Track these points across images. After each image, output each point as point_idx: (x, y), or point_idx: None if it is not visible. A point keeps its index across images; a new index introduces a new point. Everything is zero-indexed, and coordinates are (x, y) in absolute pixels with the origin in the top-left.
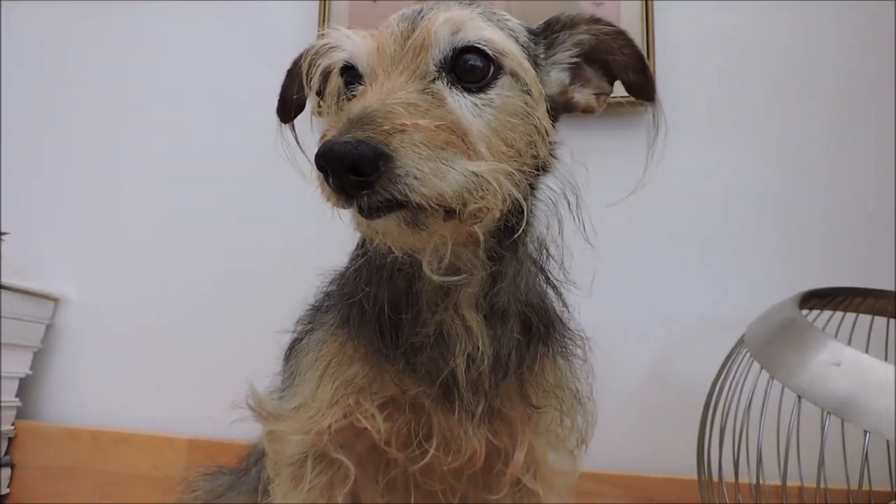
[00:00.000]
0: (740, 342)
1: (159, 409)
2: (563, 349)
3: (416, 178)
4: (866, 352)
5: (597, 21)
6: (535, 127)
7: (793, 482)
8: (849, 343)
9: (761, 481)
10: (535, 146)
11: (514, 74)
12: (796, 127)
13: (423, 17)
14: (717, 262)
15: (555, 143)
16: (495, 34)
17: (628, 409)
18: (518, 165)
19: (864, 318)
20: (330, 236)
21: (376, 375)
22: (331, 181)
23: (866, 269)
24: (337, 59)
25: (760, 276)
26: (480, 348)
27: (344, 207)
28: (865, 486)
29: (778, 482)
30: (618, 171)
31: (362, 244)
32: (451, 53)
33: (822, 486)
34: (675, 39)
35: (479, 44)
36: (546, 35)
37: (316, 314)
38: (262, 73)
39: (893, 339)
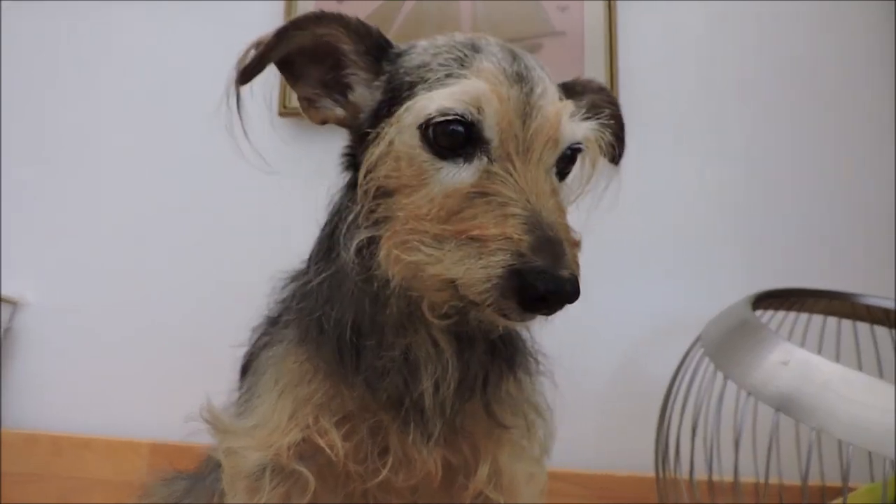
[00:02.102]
0: (697, 342)
1: (121, 414)
2: (526, 366)
3: (577, 290)
4: (819, 352)
5: (602, 89)
6: None
7: (750, 478)
8: (802, 344)
9: (718, 478)
10: None
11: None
12: (760, 131)
13: (532, 90)
14: (680, 264)
15: None
16: (592, 132)
17: (592, 408)
18: None
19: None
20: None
21: (336, 393)
22: (531, 306)
23: (826, 272)
24: (450, 107)
25: (723, 279)
26: (449, 371)
27: (514, 320)
28: (818, 482)
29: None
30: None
31: (326, 256)
32: (567, 150)
33: (775, 482)
34: (638, 41)
35: (581, 145)
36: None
37: (273, 327)
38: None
39: (843, 339)
